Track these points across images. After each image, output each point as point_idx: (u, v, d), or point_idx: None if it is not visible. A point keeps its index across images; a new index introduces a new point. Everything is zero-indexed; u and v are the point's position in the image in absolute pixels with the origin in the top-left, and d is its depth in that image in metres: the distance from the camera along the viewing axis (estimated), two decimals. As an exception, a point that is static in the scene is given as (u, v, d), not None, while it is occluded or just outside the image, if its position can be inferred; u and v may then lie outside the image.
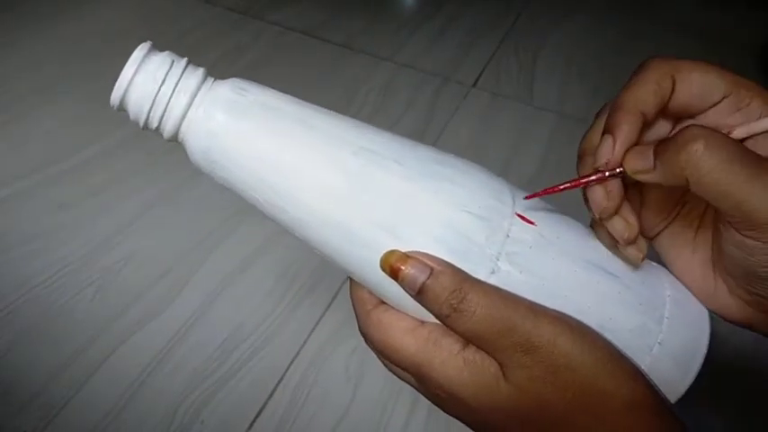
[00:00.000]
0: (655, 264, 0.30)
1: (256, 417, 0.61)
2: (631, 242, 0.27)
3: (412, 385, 0.28)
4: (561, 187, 0.27)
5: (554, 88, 1.03)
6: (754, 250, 0.25)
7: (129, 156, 0.82)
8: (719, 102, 0.27)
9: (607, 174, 0.26)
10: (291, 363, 0.65)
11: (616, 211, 0.27)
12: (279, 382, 0.63)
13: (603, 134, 0.26)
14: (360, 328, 0.29)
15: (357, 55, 1.05)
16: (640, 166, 0.25)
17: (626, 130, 0.26)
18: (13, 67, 0.96)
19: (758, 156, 0.24)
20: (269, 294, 0.70)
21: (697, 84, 0.26)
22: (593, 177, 0.26)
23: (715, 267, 0.28)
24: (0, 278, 0.69)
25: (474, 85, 1.02)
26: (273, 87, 0.27)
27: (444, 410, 0.28)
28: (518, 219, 0.27)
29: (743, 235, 0.25)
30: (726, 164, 0.23)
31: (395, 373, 0.29)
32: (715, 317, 0.29)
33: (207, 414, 0.60)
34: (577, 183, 0.27)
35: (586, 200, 0.28)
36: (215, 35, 1.07)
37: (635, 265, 0.29)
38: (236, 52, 1.03)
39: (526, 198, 0.27)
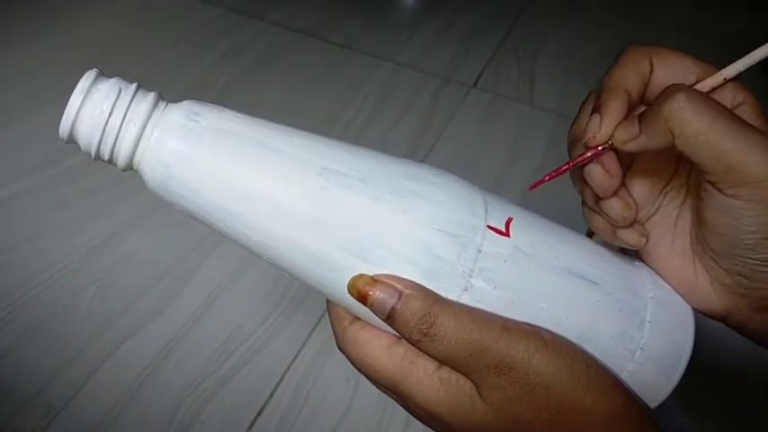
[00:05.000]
0: (638, 263, 0.30)
1: (256, 417, 0.61)
2: (630, 224, 0.27)
3: (396, 401, 0.28)
4: (563, 169, 0.27)
5: (554, 88, 1.03)
6: (739, 213, 0.25)
7: (129, 156, 0.82)
8: (693, 85, 0.27)
9: (600, 148, 0.26)
10: (291, 363, 0.65)
11: (615, 192, 0.27)
12: (279, 382, 0.63)
13: (592, 114, 0.27)
14: (337, 344, 0.28)
15: (357, 55, 1.05)
16: (627, 134, 0.26)
17: (612, 106, 0.26)
18: (14, 68, 0.96)
19: (737, 115, 0.25)
20: (268, 295, 0.70)
21: (674, 65, 0.27)
22: (589, 154, 0.27)
23: (695, 254, 0.28)
24: (0, 278, 0.69)
25: (474, 85, 1.02)
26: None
27: (427, 426, 0.28)
28: (491, 232, 0.26)
29: (727, 195, 0.25)
30: (708, 114, 0.24)
31: (379, 389, 0.29)
32: (700, 317, 0.29)
33: (207, 414, 0.60)
34: (575, 161, 0.27)
35: (581, 186, 0.28)
36: (215, 35, 1.06)
37: (638, 247, 0.29)
38: (236, 52, 1.03)
39: (531, 188, 0.27)
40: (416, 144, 0.90)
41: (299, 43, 1.07)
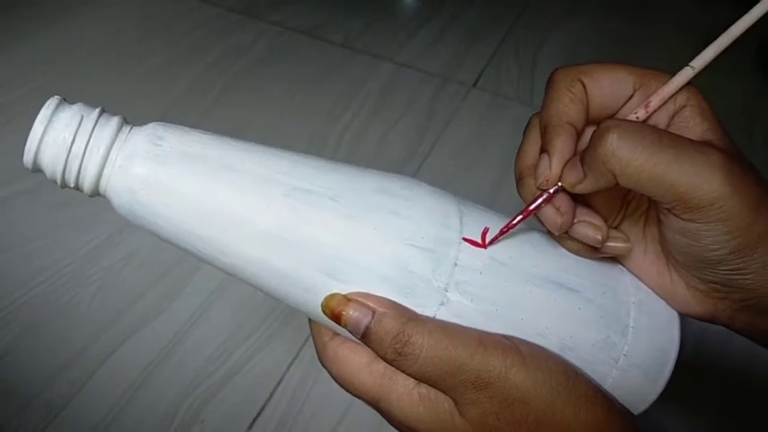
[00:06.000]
0: (620, 267, 0.29)
1: (256, 417, 0.61)
2: (606, 240, 0.27)
3: (379, 414, 0.28)
4: (515, 222, 0.26)
5: (554, 88, 1.03)
6: (698, 235, 0.24)
7: (129, 156, 0.82)
8: (632, 96, 0.27)
9: (551, 191, 0.26)
10: (291, 363, 0.65)
11: (570, 226, 0.26)
12: (279, 382, 0.63)
13: (540, 154, 0.26)
14: (318, 359, 0.28)
15: (357, 55, 1.05)
16: (573, 178, 0.25)
17: (558, 144, 0.26)
18: (14, 68, 0.96)
19: (677, 135, 0.24)
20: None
21: (606, 81, 0.27)
22: (540, 201, 0.26)
23: (668, 262, 0.28)
24: (0, 278, 0.69)
25: (474, 85, 1.02)
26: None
27: None
28: (466, 244, 0.26)
29: (684, 220, 0.24)
30: (645, 148, 0.23)
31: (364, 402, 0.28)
32: (687, 319, 0.28)
33: (207, 414, 0.60)
34: (528, 211, 0.26)
35: (540, 221, 0.27)
36: (215, 35, 1.06)
37: (625, 255, 0.28)
38: (236, 52, 1.03)
39: (488, 244, 0.26)
40: (416, 144, 0.90)
41: (299, 43, 1.07)
